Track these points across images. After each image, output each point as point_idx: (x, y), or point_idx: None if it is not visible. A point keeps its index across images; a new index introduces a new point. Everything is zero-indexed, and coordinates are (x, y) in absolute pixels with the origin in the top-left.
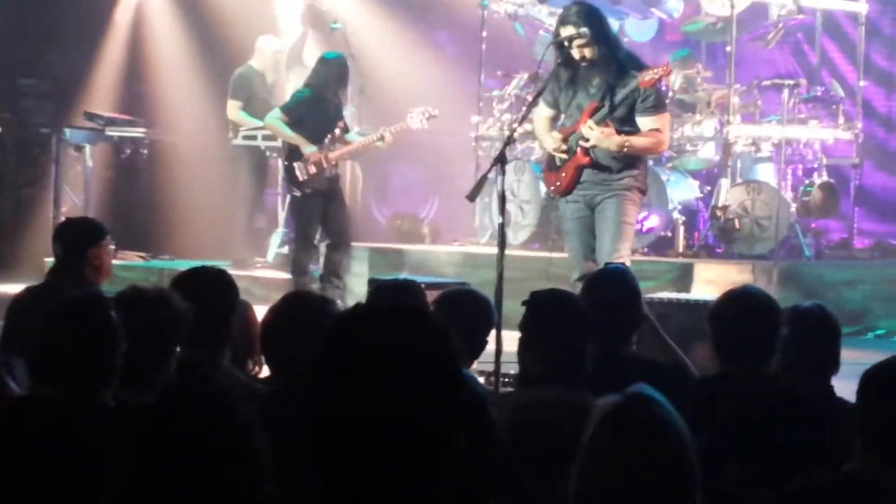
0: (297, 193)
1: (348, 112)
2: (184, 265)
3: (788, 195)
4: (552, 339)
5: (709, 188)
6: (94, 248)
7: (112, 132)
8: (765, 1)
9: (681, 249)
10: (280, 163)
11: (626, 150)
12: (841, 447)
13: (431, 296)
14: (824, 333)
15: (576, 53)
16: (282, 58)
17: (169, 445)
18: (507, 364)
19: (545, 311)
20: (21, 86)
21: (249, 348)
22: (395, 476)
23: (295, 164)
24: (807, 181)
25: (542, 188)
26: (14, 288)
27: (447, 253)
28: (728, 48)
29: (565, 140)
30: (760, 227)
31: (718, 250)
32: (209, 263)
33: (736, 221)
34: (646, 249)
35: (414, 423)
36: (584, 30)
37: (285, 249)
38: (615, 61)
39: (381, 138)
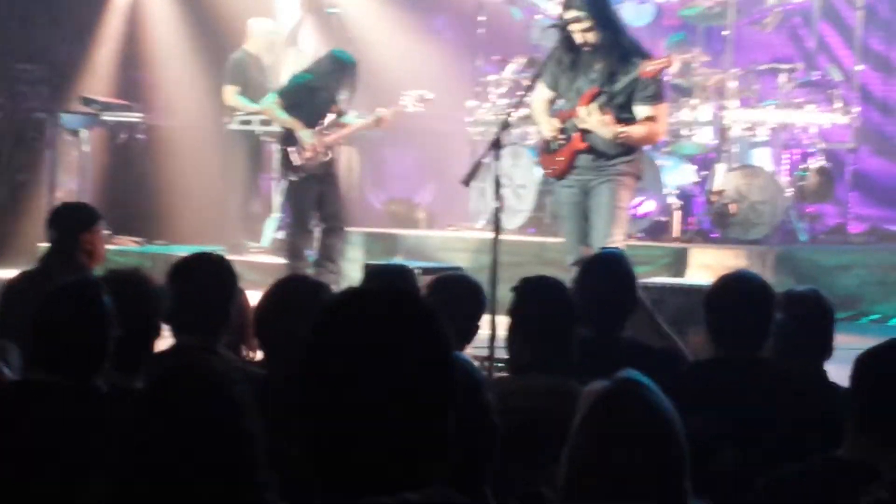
0: (293, 178)
1: (343, 96)
2: (179, 250)
3: (784, 180)
4: (538, 327)
5: (705, 173)
6: (87, 233)
7: (108, 117)
8: None
9: (676, 234)
10: (275, 147)
11: (621, 138)
12: (834, 431)
13: (426, 281)
14: (818, 318)
15: (578, 38)
16: (276, 38)
17: (164, 428)
18: (501, 349)
19: (531, 298)
20: (16, 70)
21: (242, 333)
22: (385, 459)
23: (290, 149)
24: (802, 166)
25: (538, 173)
26: (9, 273)
27: (442, 238)
28: (725, 32)
29: (563, 123)
30: (756, 212)
31: (714, 235)
32: (204, 248)
33: (731, 206)
34: (641, 234)
35: (404, 406)
36: (585, 14)
37: (280, 234)
38: (618, 48)
39: (378, 121)
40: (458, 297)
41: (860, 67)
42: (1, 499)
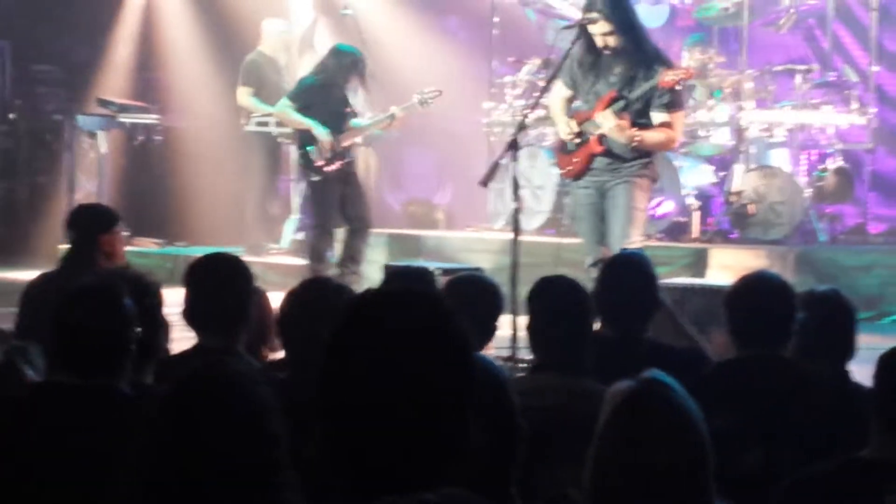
0: (315, 178)
1: (360, 97)
2: (198, 251)
3: (802, 180)
4: (552, 327)
5: (723, 173)
6: (106, 234)
7: (125, 119)
8: None
9: (695, 235)
10: (294, 149)
11: (635, 143)
12: (858, 431)
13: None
14: (840, 318)
15: (599, 41)
16: (289, 38)
17: (189, 429)
18: (523, 349)
19: (545, 298)
20: (34, 72)
21: (263, 335)
22: (405, 459)
23: (311, 148)
24: (821, 166)
25: (556, 174)
26: (29, 274)
27: (462, 239)
28: (741, 32)
29: (580, 125)
30: (775, 213)
31: (733, 235)
32: (223, 250)
33: (750, 207)
34: (660, 235)
35: (424, 407)
36: (607, 18)
37: (300, 235)
38: (639, 53)
39: (392, 117)
40: (475, 297)
41: (876, 68)
42: (24, 500)
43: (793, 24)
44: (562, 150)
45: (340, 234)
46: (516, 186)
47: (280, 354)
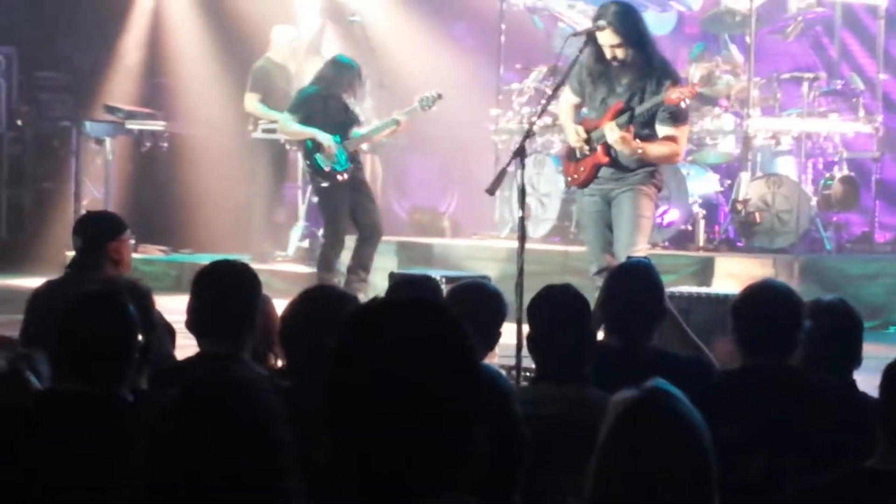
0: (325, 184)
1: (368, 105)
2: (204, 259)
3: (809, 189)
4: (553, 336)
5: (729, 182)
6: (114, 241)
7: (132, 125)
8: None
9: (701, 243)
10: (300, 157)
11: (638, 155)
12: (863, 441)
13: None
14: (847, 327)
15: (607, 52)
16: (298, 46)
17: (195, 435)
18: (528, 358)
19: (544, 308)
20: (41, 79)
21: (269, 342)
22: (410, 467)
23: (318, 155)
24: (827, 174)
25: (562, 182)
26: (35, 281)
27: (469, 246)
28: (748, 41)
29: (588, 132)
30: (781, 221)
31: (739, 244)
32: (230, 257)
33: (756, 215)
34: (666, 243)
35: (430, 415)
36: (615, 30)
37: (306, 243)
38: (648, 65)
39: (395, 122)
40: (478, 305)
41: (883, 76)
42: None
43: (800, 32)
44: (568, 158)
45: (349, 241)
46: (523, 194)
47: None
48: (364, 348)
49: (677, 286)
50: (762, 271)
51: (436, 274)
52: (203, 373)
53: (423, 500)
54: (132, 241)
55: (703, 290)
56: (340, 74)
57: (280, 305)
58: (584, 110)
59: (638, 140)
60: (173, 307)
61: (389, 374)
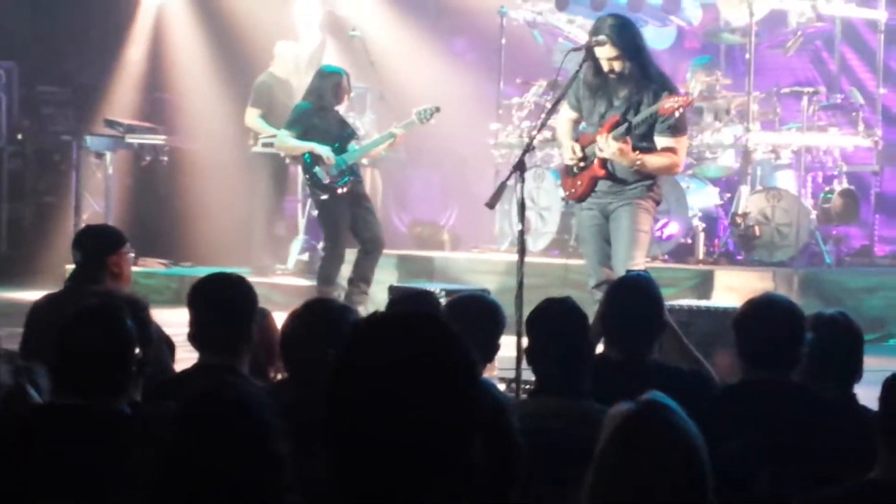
0: (325, 197)
1: (368, 119)
2: (204, 272)
3: (808, 202)
4: (551, 350)
5: (728, 195)
6: (114, 255)
7: (132, 139)
8: (784, 8)
9: (701, 256)
10: (300, 171)
11: (637, 167)
12: (865, 455)
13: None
14: (847, 341)
15: (605, 65)
16: (301, 63)
17: (195, 449)
18: (528, 371)
19: (542, 321)
20: (41, 93)
21: (269, 356)
22: (411, 481)
23: (317, 169)
24: (827, 188)
25: (562, 195)
26: (35, 295)
27: (468, 260)
28: (747, 56)
29: (584, 149)
30: (781, 235)
31: (738, 257)
32: (227, 270)
33: (756, 228)
34: (666, 256)
35: (430, 429)
36: (613, 43)
37: (305, 256)
38: (645, 78)
39: (391, 136)
40: (475, 318)
41: (882, 90)
42: None
43: (800, 47)
44: (567, 173)
45: (349, 254)
46: (522, 208)
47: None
48: (364, 363)
49: (677, 299)
50: (762, 285)
51: (435, 287)
52: (200, 385)
53: None
54: (132, 255)
55: (703, 303)
56: (325, 82)
57: (280, 319)
58: (583, 125)
59: (636, 152)
60: (173, 320)
61: (389, 389)
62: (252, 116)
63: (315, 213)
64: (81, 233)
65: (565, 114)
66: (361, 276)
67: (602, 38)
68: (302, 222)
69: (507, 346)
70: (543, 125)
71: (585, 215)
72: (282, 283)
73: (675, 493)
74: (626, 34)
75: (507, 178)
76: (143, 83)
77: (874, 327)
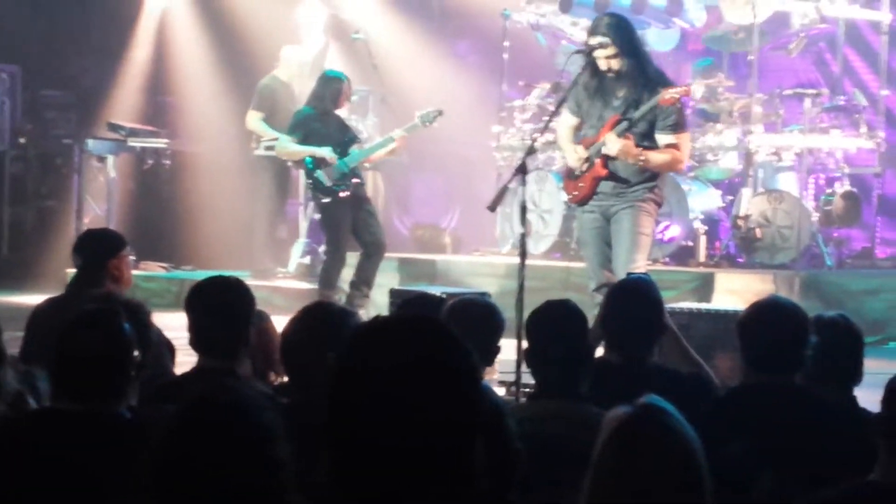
0: (327, 200)
1: (370, 122)
2: (205, 276)
3: (810, 204)
4: (550, 352)
5: (730, 198)
6: (114, 258)
7: (134, 143)
8: (787, 10)
9: (702, 259)
10: (302, 174)
11: (641, 163)
12: (865, 457)
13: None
14: (848, 344)
15: (602, 64)
16: (305, 68)
17: (194, 453)
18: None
19: (542, 324)
20: (44, 97)
21: (269, 359)
22: (413, 486)
23: (319, 172)
24: (829, 190)
25: (563, 198)
26: (36, 299)
27: (469, 263)
28: (750, 57)
29: (586, 150)
30: (782, 237)
31: (740, 260)
32: (225, 273)
33: (757, 231)
34: (667, 259)
35: (431, 432)
36: (610, 41)
37: (307, 259)
38: (642, 76)
39: (391, 140)
40: (475, 321)
41: (885, 92)
42: None
43: (803, 48)
44: (568, 176)
45: (351, 257)
46: (524, 211)
47: (285, 379)
48: (366, 367)
49: (678, 302)
50: (763, 287)
51: (436, 290)
52: (199, 388)
53: None
54: (132, 258)
55: (704, 306)
56: (327, 86)
57: (281, 322)
58: (584, 130)
59: (640, 149)
60: (174, 324)
61: (391, 393)
62: (254, 119)
63: (317, 216)
64: (81, 237)
65: (566, 120)
66: (363, 280)
67: (605, 40)
68: (304, 225)
69: (508, 349)
70: (546, 127)
71: (587, 218)
72: (283, 287)
73: (672, 496)
74: (623, 32)
75: (509, 181)
76: (145, 86)
77: (875, 330)
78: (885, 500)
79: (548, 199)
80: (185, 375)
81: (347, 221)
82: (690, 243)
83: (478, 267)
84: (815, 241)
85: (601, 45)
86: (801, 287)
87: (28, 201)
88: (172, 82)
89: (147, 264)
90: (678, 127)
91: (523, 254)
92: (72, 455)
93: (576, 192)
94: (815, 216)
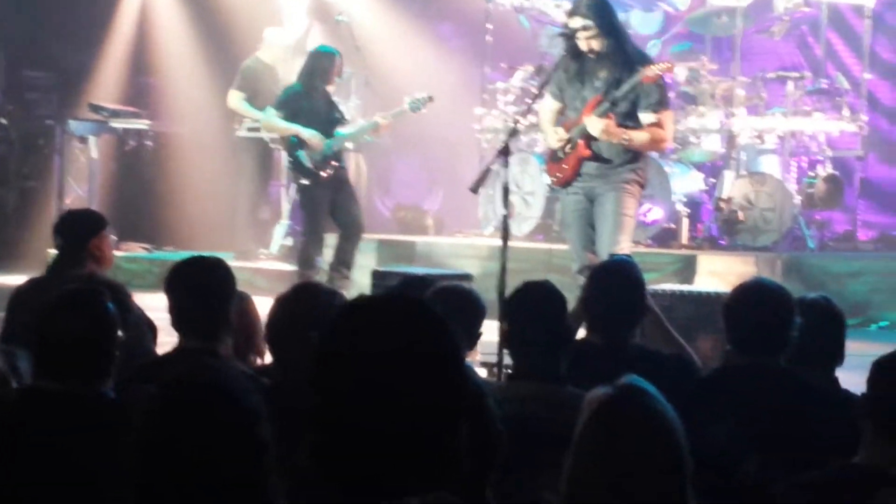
0: (306, 182)
1: (353, 104)
2: (186, 256)
3: (793, 187)
4: (529, 333)
5: (713, 180)
6: (95, 238)
7: (116, 124)
8: None
9: (684, 241)
10: (284, 155)
11: (624, 142)
12: (849, 438)
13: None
14: (830, 325)
15: (583, 45)
16: (287, 50)
17: (176, 434)
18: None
19: (521, 305)
20: (26, 77)
21: (250, 340)
22: (397, 468)
23: (300, 152)
24: (811, 173)
25: (546, 180)
26: (18, 279)
27: (451, 244)
28: (734, 39)
29: (568, 132)
30: (764, 219)
31: (722, 242)
32: (206, 254)
33: (740, 213)
34: (649, 241)
35: (416, 413)
36: (591, 22)
37: (289, 241)
38: (622, 55)
39: (375, 125)
40: (456, 306)
41: (868, 75)
42: None
43: (786, 32)
44: (552, 158)
45: (330, 238)
46: (506, 193)
47: (268, 359)
48: (351, 351)
49: (660, 284)
50: (745, 269)
51: (418, 272)
52: (180, 369)
53: (405, 498)
54: (114, 239)
55: (686, 287)
56: (317, 62)
57: (263, 303)
58: (566, 113)
59: (622, 128)
60: (155, 304)
61: (378, 378)
62: (235, 98)
63: (297, 196)
64: (62, 217)
65: (548, 105)
66: (342, 261)
67: (579, 20)
68: (286, 207)
69: (490, 330)
70: (529, 109)
71: (570, 199)
72: (265, 268)
73: (652, 476)
74: (602, 11)
75: (492, 163)
76: (128, 67)
77: (856, 312)
78: (869, 482)
79: (530, 182)
80: (167, 356)
81: (326, 203)
82: (673, 225)
83: (460, 248)
84: (798, 223)
85: (584, 28)
86: (783, 269)
87: (10, 182)
88: (154, 63)
89: (129, 245)
90: (661, 105)
91: (506, 236)
92: (56, 435)
93: (559, 174)
94: (798, 199)
